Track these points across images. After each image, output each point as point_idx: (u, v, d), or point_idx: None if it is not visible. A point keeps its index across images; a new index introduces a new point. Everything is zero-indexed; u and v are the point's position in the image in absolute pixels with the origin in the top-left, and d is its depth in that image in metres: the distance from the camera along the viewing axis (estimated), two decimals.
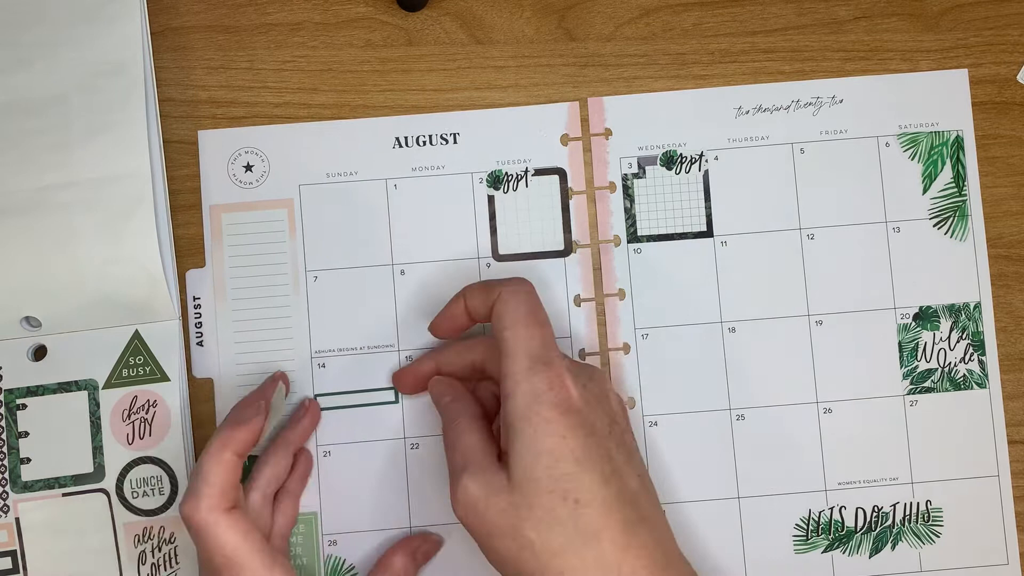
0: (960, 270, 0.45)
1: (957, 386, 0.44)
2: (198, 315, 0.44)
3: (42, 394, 0.43)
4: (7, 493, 0.42)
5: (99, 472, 0.43)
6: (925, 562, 0.44)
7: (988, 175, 0.45)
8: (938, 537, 0.44)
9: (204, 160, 0.45)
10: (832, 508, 0.44)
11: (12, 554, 0.42)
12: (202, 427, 0.44)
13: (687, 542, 0.43)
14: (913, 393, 0.44)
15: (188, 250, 0.44)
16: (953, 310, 0.45)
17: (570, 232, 0.45)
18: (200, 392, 0.44)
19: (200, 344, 0.44)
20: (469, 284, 0.41)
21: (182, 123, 0.45)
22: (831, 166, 0.45)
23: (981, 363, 0.45)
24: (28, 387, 0.43)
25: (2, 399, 0.43)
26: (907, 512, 0.44)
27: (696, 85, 0.45)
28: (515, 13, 0.46)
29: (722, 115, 0.45)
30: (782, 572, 0.44)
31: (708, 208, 0.45)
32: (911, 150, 0.45)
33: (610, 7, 0.46)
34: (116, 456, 0.43)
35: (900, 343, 0.44)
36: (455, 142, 0.45)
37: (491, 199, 0.45)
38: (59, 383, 0.43)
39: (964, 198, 0.45)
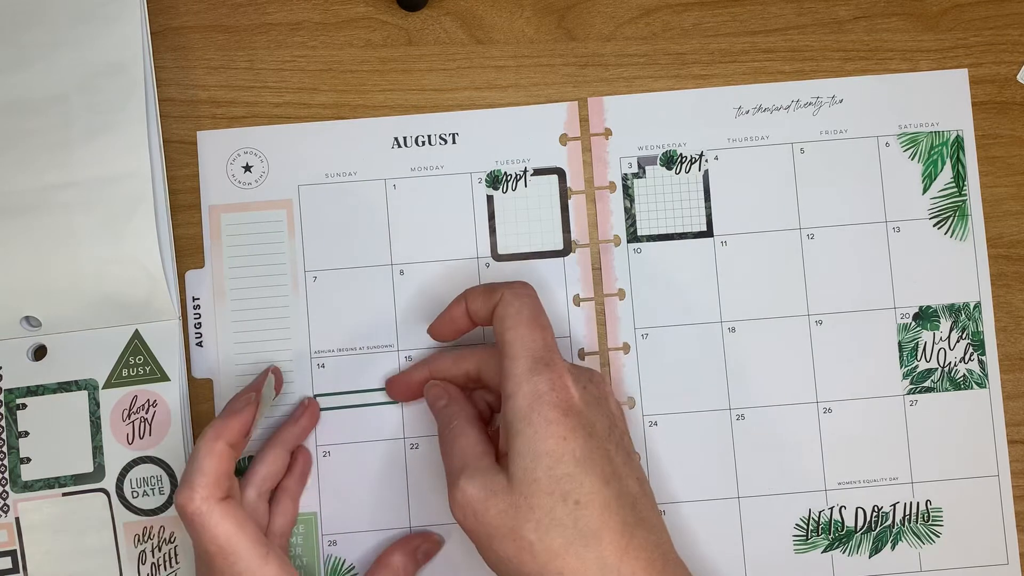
0: (960, 270, 0.45)
1: (957, 386, 0.44)
2: (197, 315, 0.44)
3: (42, 394, 0.43)
4: (7, 493, 0.42)
5: (99, 472, 0.43)
6: (925, 562, 0.44)
7: (988, 175, 0.45)
8: (938, 537, 0.44)
9: (203, 160, 0.45)
10: (832, 508, 0.44)
11: (12, 554, 0.42)
12: (202, 427, 0.44)
13: (687, 542, 0.43)
14: (913, 393, 0.44)
15: (187, 250, 0.44)
16: (953, 310, 0.45)
17: (569, 232, 0.45)
18: (200, 393, 0.44)
19: (200, 344, 0.44)
20: (470, 287, 0.41)
21: (182, 123, 0.45)
22: (831, 166, 0.45)
23: (981, 363, 0.45)
24: (28, 387, 0.43)
25: (2, 399, 0.43)
26: (907, 512, 0.44)
27: (696, 85, 0.45)
28: (515, 13, 0.46)
29: (722, 115, 0.45)
30: (782, 572, 0.44)
31: (708, 208, 0.45)
32: (911, 150, 0.45)
33: (610, 7, 0.46)
34: (116, 456, 0.43)
35: (900, 343, 0.44)
36: (454, 142, 0.45)
37: (490, 199, 0.45)
38: (59, 383, 0.43)
39: (964, 198, 0.45)
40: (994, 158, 0.45)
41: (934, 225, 0.45)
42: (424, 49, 0.45)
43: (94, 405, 0.43)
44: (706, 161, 0.45)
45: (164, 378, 0.43)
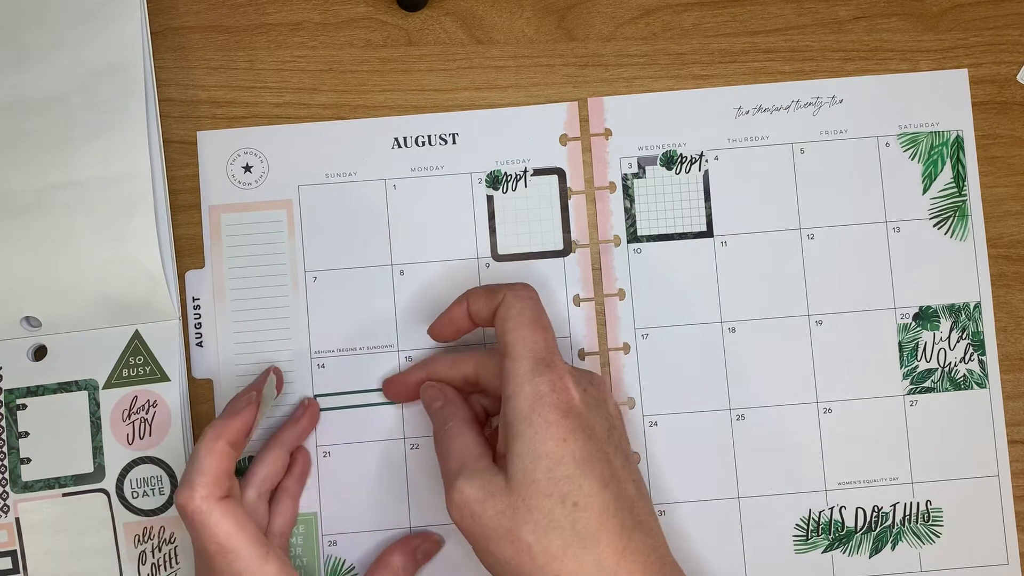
0: (960, 270, 0.45)
1: (957, 386, 0.44)
2: (197, 316, 0.44)
3: (42, 394, 0.43)
4: (7, 493, 0.42)
5: (99, 472, 0.43)
6: (925, 562, 0.44)
7: (988, 175, 0.45)
8: (938, 537, 0.44)
9: (203, 160, 0.45)
10: (832, 508, 0.44)
11: (12, 554, 0.42)
12: (202, 427, 0.44)
13: (687, 542, 0.43)
14: (913, 393, 0.44)
15: (187, 251, 0.44)
16: (953, 310, 0.45)
17: (569, 232, 0.45)
18: (200, 393, 0.44)
19: (200, 345, 0.44)
20: (472, 288, 0.41)
21: (182, 123, 0.45)
22: (831, 166, 0.45)
23: (981, 363, 0.45)
24: (28, 387, 0.43)
25: (2, 399, 0.43)
26: (907, 512, 0.44)
27: (696, 85, 0.45)
28: (515, 13, 0.46)
29: (722, 115, 0.45)
30: (782, 572, 0.44)
31: (708, 208, 0.45)
32: (911, 150, 0.45)
33: (610, 7, 0.46)
34: (116, 456, 0.43)
35: (900, 343, 0.44)
36: (454, 142, 0.45)
37: (490, 199, 0.45)
38: (59, 383, 0.43)
39: (964, 198, 0.45)
40: (994, 158, 0.45)
41: (934, 225, 0.45)
42: (424, 49, 0.45)
43: (94, 405, 0.43)
44: (706, 161, 0.45)
45: (164, 378, 0.43)
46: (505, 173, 0.45)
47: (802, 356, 0.44)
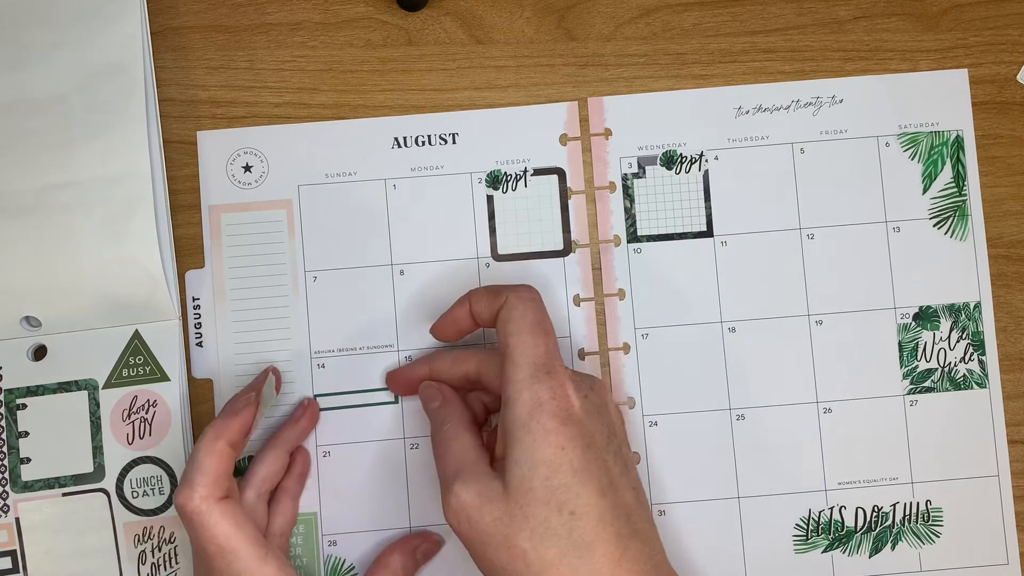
0: (960, 270, 0.45)
1: (957, 386, 0.44)
2: (197, 316, 0.44)
3: (42, 394, 0.43)
4: (7, 493, 0.42)
5: (99, 472, 0.43)
6: (925, 562, 0.44)
7: (988, 175, 0.45)
8: (938, 537, 0.44)
9: (203, 160, 0.45)
10: (832, 508, 0.44)
11: (12, 554, 0.42)
12: (202, 427, 0.44)
13: (687, 542, 0.43)
14: (913, 393, 0.44)
15: (187, 250, 0.44)
16: (953, 310, 0.45)
17: (569, 232, 0.45)
18: (200, 393, 0.44)
19: (200, 345, 0.44)
20: (474, 288, 0.41)
21: (182, 123, 0.45)
22: (831, 166, 0.45)
23: (981, 363, 0.45)
24: (28, 387, 0.43)
25: (2, 399, 0.43)
26: (907, 512, 0.44)
27: (696, 85, 0.45)
28: (515, 13, 0.46)
29: (722, 115, 0.45)
30: (782, 572, 0.44)
31: (708, 208, 0.45)
32: (911, 150, 0.45)
33: (610, 7, 0.46)
34: (116, 456, 0.43)
35: (900, 343, 0.44)
36: (454, 142, 0.45)
37: (490, 199, 0.45)
38: (59, 383, 0.43)
39: (964, 198, 0.45)
40: (994, 158, 0.45)
41: (934, 225, 0.45)
42: (424, 49, 0.45)
43: (94, 405, 0.43)
44: (706, 161, 0.45)
45: (164, 378, 0.43)
46: (505, 173, 0.45)
47: (802, 356, 0.44)
